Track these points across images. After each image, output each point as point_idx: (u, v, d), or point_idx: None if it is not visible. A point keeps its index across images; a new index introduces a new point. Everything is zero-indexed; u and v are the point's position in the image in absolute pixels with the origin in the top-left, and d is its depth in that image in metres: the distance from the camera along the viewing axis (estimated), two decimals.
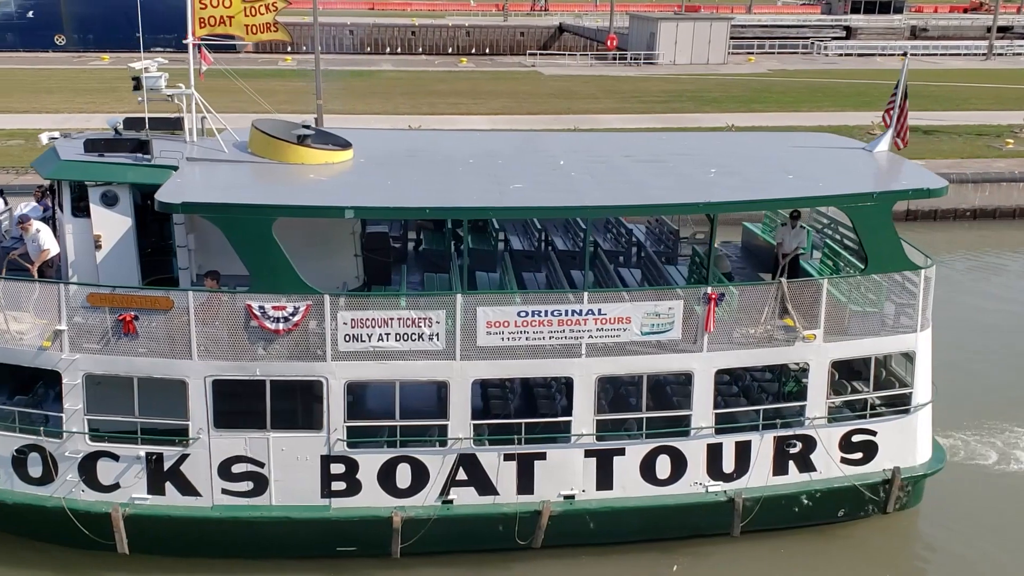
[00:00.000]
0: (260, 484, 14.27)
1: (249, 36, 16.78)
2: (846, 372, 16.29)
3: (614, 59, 74.72)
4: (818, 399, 15.23)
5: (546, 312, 14.18)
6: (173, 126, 16.44)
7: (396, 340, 13.91)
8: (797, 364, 15.62)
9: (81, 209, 14.99)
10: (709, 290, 14.41)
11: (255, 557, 14.64)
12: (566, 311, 14.21)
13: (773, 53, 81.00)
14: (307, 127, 16.34)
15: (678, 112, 48.64)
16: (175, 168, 15.02)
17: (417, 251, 18.46)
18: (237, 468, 14.23)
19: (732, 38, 76.41)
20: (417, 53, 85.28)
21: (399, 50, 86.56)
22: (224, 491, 14.27)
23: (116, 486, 14.25)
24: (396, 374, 14.11)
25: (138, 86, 15.75)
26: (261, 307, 13.70)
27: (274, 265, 13.78)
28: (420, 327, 13.92)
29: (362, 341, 13.87)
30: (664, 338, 14.47)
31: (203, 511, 14.25)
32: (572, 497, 14.79)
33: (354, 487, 14.37)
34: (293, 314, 13.74)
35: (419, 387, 14.61)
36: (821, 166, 17.23)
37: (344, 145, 16.38)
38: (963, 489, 17.18)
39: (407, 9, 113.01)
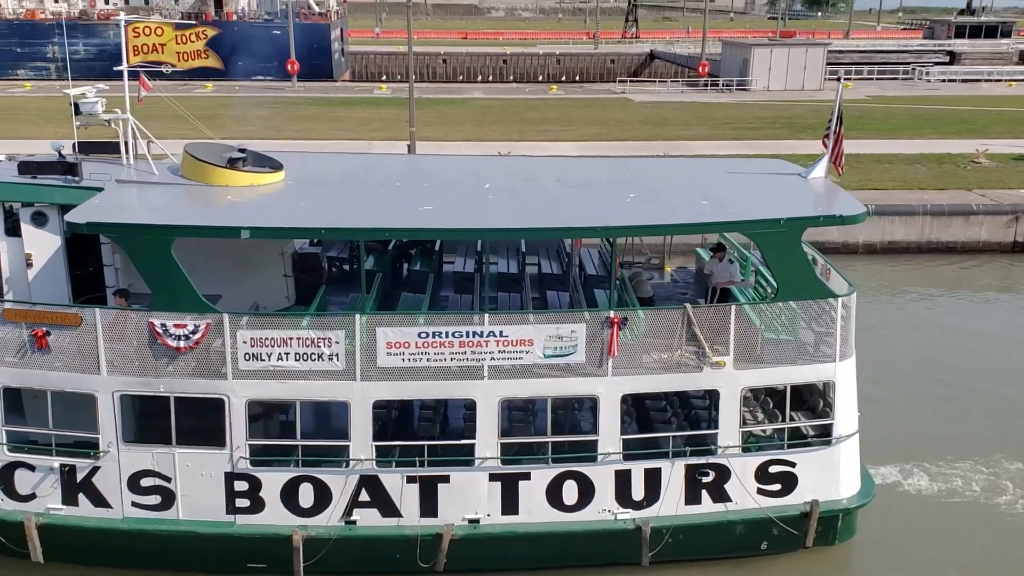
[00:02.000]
0: (167, 498, 14.54)
1: (180, 63, 17.67)
2: (795, 401, 15.58)
3: (706, 86, 73.94)
4: (731, 428, 14.66)
5: (447, 333, 14.17)
6: (117, 150, 17.19)
7: (296, 360, 14.06)
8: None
9: (13, 229, 15.74)
10: (611, 314, 14.23)
11: (165, 569, 14.88)
12: (467, 332, 14.16)
13: (872, 79, 78.81)
14: (242, 151, 16.69)
15: (772, 139, 47.71)
16: (101, 189, 15.57)
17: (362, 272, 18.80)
18: (145, 482, 14.53)
19: (829, 64, 74.67)
20: (508, 81, 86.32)
21: (491, 78, 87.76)
22: (134, 504, 14.59)
23: (32, 496, 14.69)
24: (296, 394, 14.24)
25: (77, 111, 16.52)
26: (163, 325, 14.03)
27: (174, 284, 14.05)
28: (320, 347, 14.05)
29: (262, 360, 14.08)
30: (568, 361, 14.32)
31: (114, 523, 14.57)
32: (477, 521, 14.56)
33: (257, 505, 14.48)
34: (194, 332, 14.04)
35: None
36: (744, 192, 16.81)
37: (276, 167, 16.69)
38: (900, 522, 16.37)
39: (499, 38, 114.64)
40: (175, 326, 14.07)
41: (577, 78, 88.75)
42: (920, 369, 23.45)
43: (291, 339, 14.02)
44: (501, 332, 14.19)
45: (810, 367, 14.97)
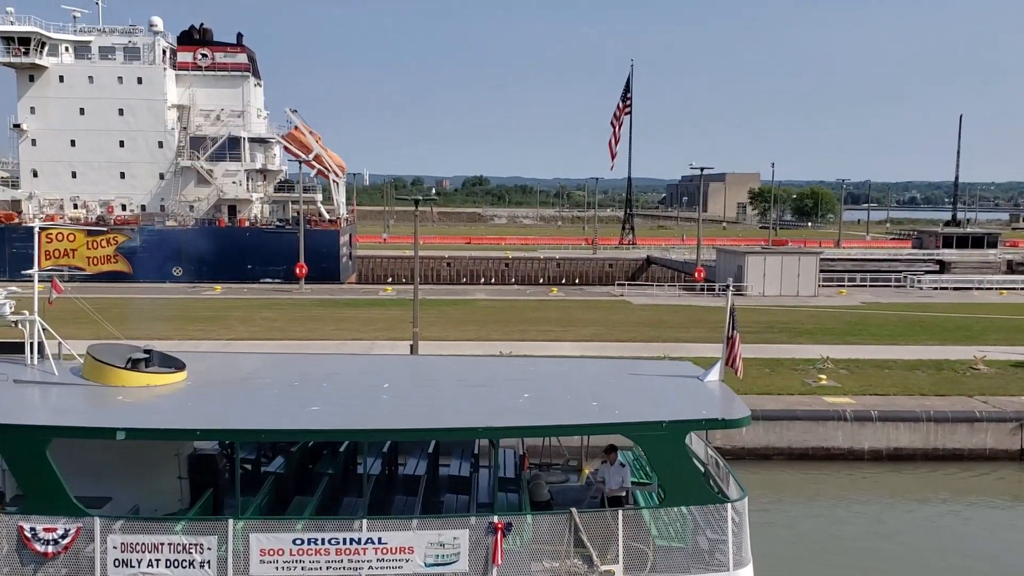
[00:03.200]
0: None
1: (90, 267, 18.18)
2: None
3: (702, 290, 75.65)
4: None
5: (323, 540, 13.73)
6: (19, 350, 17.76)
7: (166, 567, 13.59)
8: None
9: None
10: (495, 519, 13.87)
11: None
12: (344, 539, 13.73)
13: (865, 286, 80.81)
14: (147, 352, 17.02)
15: (770, 343, 48.20)
16: None
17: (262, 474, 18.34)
18: None
19: (822, 271, 76.83)
20: (510, 283, 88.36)
21: (493, 280, 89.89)
22: None
23: None
24: None
25: None
26: (32, 529, 13.71)
27: (46, 486, 13.78)
28: (191, 553, 13.60)
29: (131, 567, 13.63)
30: (451, 570, 13.78)
31: None
32: None
33: None
34: (63, 536, 13.68)
35: None
36: (636, 395, 16.97)
37: (178, 368, 17.00)
38: None
39: (501, 243, 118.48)
40: (44, 530, 13.73)
41: (577, 281, 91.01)
42: None
43: (162, 545, 13.64)
44: (380, 539, 13.76)
45: None
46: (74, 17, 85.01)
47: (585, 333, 51.37)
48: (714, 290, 74.62)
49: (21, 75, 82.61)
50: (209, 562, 13.62)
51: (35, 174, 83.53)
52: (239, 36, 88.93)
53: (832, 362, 41.10)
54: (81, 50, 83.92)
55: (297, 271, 73.17)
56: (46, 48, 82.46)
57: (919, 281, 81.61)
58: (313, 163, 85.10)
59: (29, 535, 13.73)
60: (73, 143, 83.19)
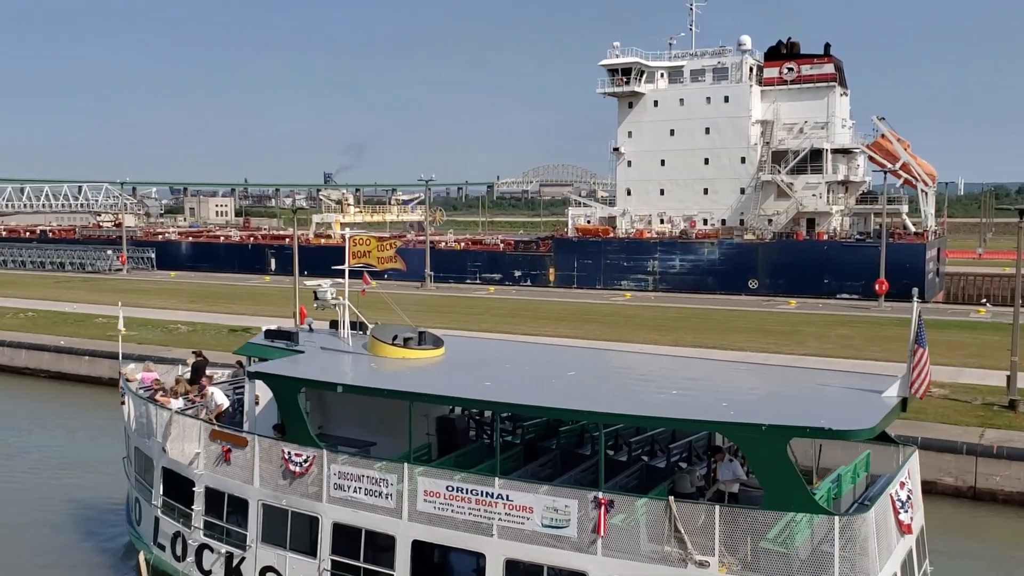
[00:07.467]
0: None
1: (379, 265, 23.19)
2: None
3: None
4: None
5: (466, 490, 16.25)
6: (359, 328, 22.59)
7: (364, 494, 17.25)
8: None
9: (251, 377, 20.36)
10: (600, 495, 15.10)
11: None
12: (482, 492, 16.13)
13: None
14: (421, 333, 20.65)
15: None
16: (297, 351, 20.69)
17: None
18: None
19: None
20: None
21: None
22: None
23: (209, 573, 19.62)
24: (361, 522, 17.34)
25: (316, 297, 22.30)
26: (289, 453, 18.14)
27: (296, 422, 18.28)
28: (380, 486, 17.07)
29: (344, 491, 17.50)
30: (562, 533, 15.43)
31: None
32: None
33: None
34: (306, 461, 17.94)
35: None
36: (782, 399, 17.10)
37: (436, 345, 20.50)
38: None
39: None
40: (295, 454, 18.10)
41: None
42: None
43: (363, 476, 17.29)
44: (508, 496, 15.94)
45: None
46: (670, 44, 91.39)
47: None
48: None
49: (621, 103, 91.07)
50: (392, 495, 16.94)
51: (628, 192, 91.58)
52: (827, 46, 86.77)
53: None
54: (674, 75, 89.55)
55: (876, 287, 68.67)
56: (644, 76, 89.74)
57: None
58: (899, 172, 79.51)
59: (287, 457, 18.17)
60: (663, 163, 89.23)
